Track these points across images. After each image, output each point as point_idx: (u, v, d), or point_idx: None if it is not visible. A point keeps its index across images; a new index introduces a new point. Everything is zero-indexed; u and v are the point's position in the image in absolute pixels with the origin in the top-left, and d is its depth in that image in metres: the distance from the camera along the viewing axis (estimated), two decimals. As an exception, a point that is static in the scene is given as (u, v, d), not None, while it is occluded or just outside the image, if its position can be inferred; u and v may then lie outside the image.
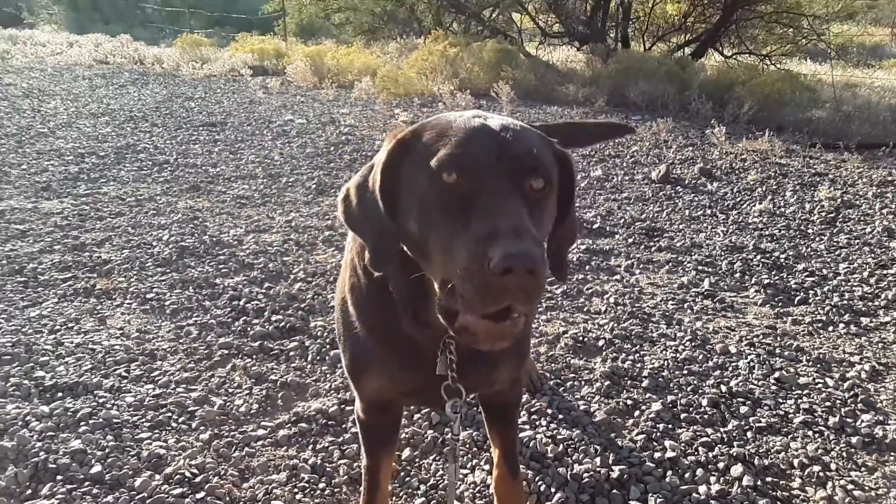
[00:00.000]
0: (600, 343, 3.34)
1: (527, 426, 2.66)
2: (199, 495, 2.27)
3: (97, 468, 2.36)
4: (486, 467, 2.42)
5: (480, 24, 16.39)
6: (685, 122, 8.99)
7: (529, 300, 1.19)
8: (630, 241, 4.76)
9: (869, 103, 10.45)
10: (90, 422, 2.62)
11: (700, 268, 4.29)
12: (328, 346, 3.23)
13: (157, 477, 2.34)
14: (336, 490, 2.34)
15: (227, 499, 2.27)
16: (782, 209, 5.48)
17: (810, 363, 3.18)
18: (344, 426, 2.67)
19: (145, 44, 17.77)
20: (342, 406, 2.76)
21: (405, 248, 1.42)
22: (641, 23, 15.29)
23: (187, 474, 2.36)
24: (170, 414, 2.71)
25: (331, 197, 5.51)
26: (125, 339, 3.26)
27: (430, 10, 17.25)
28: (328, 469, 2.43)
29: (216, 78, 12.60)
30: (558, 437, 2.60)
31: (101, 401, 2.78)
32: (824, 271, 4.24)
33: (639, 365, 3.14)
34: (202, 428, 2.63)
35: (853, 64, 16.84)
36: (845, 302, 3.81)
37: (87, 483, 2.30)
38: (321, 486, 2.35)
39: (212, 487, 2.30)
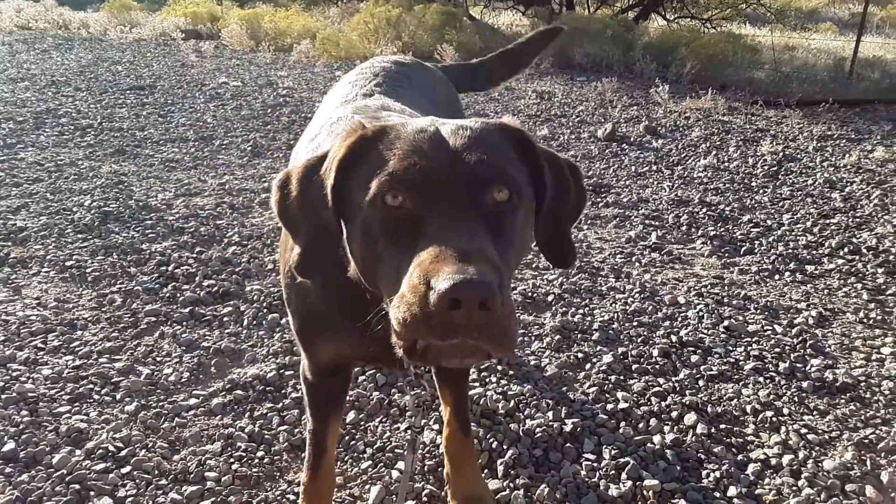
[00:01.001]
0: (549, 298, 3.25)
1: (476, 383, 2.55)
2: (125, 469, 2.09)
3: (10, 445, 2.15)
4: (436, 427, 2.31)
5: (423, -13, 15.99)
6: (630, 83, 8.97)
7: (491, 338, 1.00)
8: (578, 197, 4.68)
9: (806, 64, 10.66)
10: (2, 397, 2.39)
11: (647, 222, 4.25)
12: (265, 311, 3.04)
13: (78, 452, 2.15)
14: (276, 458, 2.19)
15: (156, 472, 2.09)
16: (726, 164, 5.50)
17: (758, 311, 3.17)
18: (283, 391, 2.51)
19: (70, 9, 16.76)
20: (281, 371, 2.59)
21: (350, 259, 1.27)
22: (585, -14, 15.19)
23: (111, 448, 2.17)
24: (91, 386, 2.50)
25: (268, 159, 5.25)
26: (42, 309, 3.00)
27: (371, -28, 16.73)
28: (267, 437, 2.27)
29: (146, 42, 11.96)
30: (509, 393, 2.50)
31: (14, 374, 2.54)
32: (769, 222, 4.25)
33: (589, 318, 3.07)
34: (127, 399, 2.43)
35: (791, 27, 17.16)
36: (790, 251, 3.81)
37: (-2, 462, 2.09)
38: (259, 454, 2.19)
39: (138, 461, 2.11)
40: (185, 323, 2.94)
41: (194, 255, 3.54)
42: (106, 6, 15.46)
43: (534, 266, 3.62)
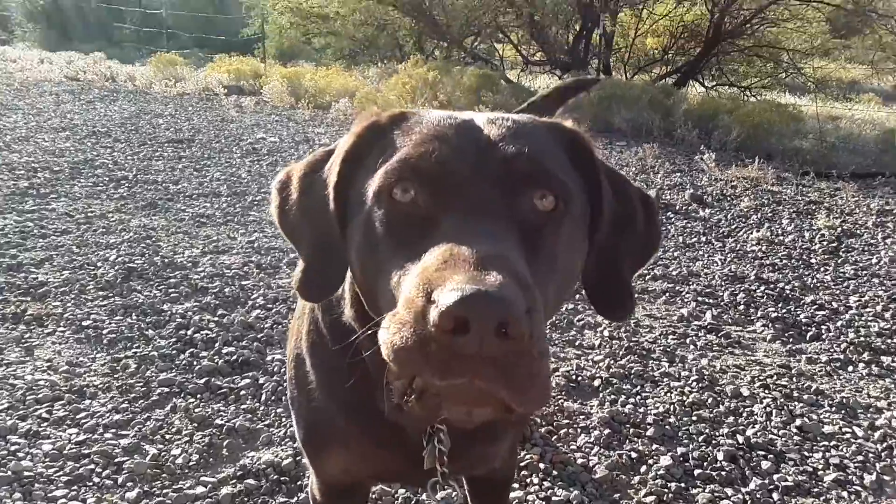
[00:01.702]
0: (596, 383, 2.96)
1: (516, 485, 2.25)
2: (115, 575, 1.83)
3: (-6, 538, 1.92)
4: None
5: (462, 52, 16.22)
6: (671, 149, 8.76)
7: (510, 382, 0.71)
8: (623, 269, 4.41)
9: (852, 134, 10.37)
10: (-5, 475, 2.17)
11: (700, 298, 3.95)
12: (285, 384, 2.80)
13: (66, 550, 1.90)
14: (286, 566, 1.91)
15: (150, 579, 1.83)
16: (781, 237, 5.19)
17: (833, 409, 2.83)
18: (299, 483, 2.24)
19: (119, 62, 17.32)
20: (298, 458, 2.33)
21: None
22: (623, 53, 15.24)
23: (103, 546, 1.91)
24: (92, 466, 2.27)
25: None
26: (52, 374, 2.80)
27: (411, 36, 17.08)
28: (278, 539, 2.00)
29: (189, 96, 12.18)
30: (553, 498, 2.20)
31: (13, 448, 2.33)
32: (834, 304, 3.92)
33: (641, 409, 2.76)
34: (129, 484, 2.19)
35: (832, 97, 16.94)
36: (862, 339, 3.47)
37: (-26, 559, 1.85)
38: (268, 561, 1.92)
39: (131, 564, 1.86)
40: (199, 395, 2.71)
41: (216, 319, 3.34)
42: (153, 60, 15.94)
43: (577, 344, 3.34)
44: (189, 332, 3.18)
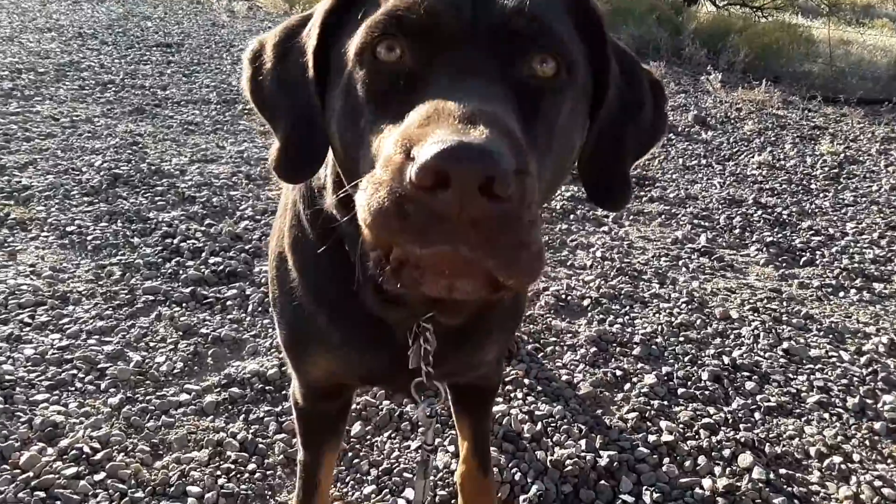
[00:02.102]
0: (585, 302, 2.94)
1: (500, 399, 2.25)
2: (98, 476, 1.85)
3: (-24, 439, 1.92)
4: (451, 448, 2.02)
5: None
6: (678, 69, 8.49)
7: (498, 251, 0.64)
8: (620, 189, 4.32)
9: (863, 60, 10.04)
10: (-24, 379, 2.16)
11: (696, 221, 3.89)
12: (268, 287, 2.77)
13: (50, 451, 1.91)
14: (269, 472, 1.93)
15: (133, 481, 1.84)
16: (782, 162, 5.08)
17: (821, 333, 2.82)
18: (284, 393, 2.24)
19: (106, -40, 16.50)
20: (283, 368, 2.33)
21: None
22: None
23: (86, 449, 1.92)
24: (75, 371, 2.26)
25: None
26: (35, 279, 2.76)
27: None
28: (261, 446, 2.01)
29: (179, -1, 11.67)
30: (537, 413, 2.21)
31: (-6, 352, 2.31)
32: (830, 230, 3.87)
33: (629, 329, 2.75)
34: (112, 390, 2.19)
35: (846, 21, 16.37)
36: (856, 265, 3.44)
37: (-42, 458, 1.85)
38: (250, 467, 1.94)
39: (114, 467, 1.87)
40: (185, 304, 2.68)
41: (203, 228, 3.28)
42: (143, -40, 15.17)
43: (568, 264, 3.30)
44: (175, 241, 3.12)
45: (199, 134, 4.68)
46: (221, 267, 2.94)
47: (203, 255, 3.03)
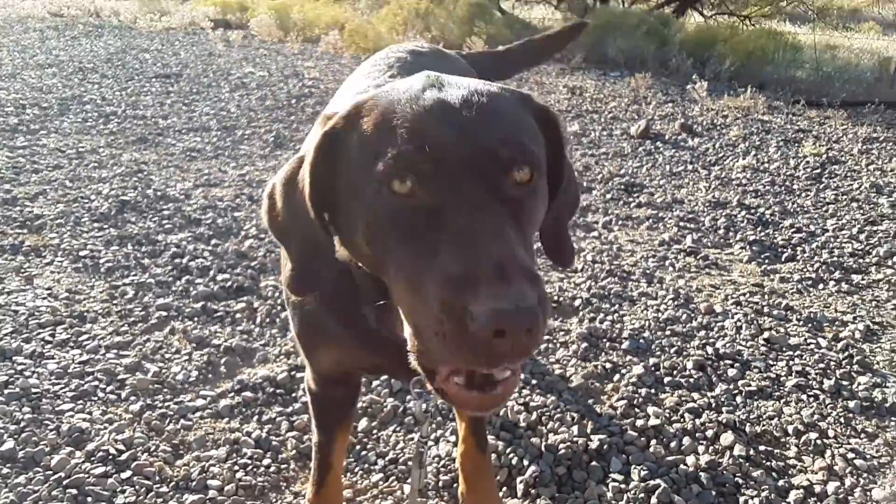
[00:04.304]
0: (577, 303, 3.09)
1: (497, 393, 2.39)
2: (125, 474, 1.98)
3: (9, 444, 2.06)
4: (452, 438, 2.17)
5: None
6: (665, 79, 8.70)
7: (525, 356, 0.92)
8: (608, 196, 4.49)
9: (849, 64, 10.26)
10: (5, 391, 2.31)
11: (682, 224, 4.05)
12: (279, 308, 2.93)
13: (78, 454, 2.05)
14: (283, 466, 2.07)
15: (157, 478, 1.99)
16: (766, 165, 5.25)
17: (801, 322, 2.97)
18: (294, 395, 2.39)
19: (102, -4, 16.85)
20: (292, 373, 2.47)
21: (359, 263, 1.15)
22: (619, -20, 14.85)
23: (112, 451, 2.06)
24: (96, 383, 2.40)
25: (290, 151, 5.14)
26: (52, 300, 2.92)
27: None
28: (274, 443, 2.15)
29: (175, 31, 11.94)
30: (532, 404, 2.35)
31: (19, 368, 2.45)
32: (812, 227, 4.03)
33: (618, 326, 2.90)
34: (132, 398, 2.33)
35: (832, 26, 16.64)
36: (835, 259, 3.59)
37: (-6, 462, 2.00)
38: (266, 462, 2.08)
39: (139, 465, 2.01)
40: (196, 318, 2.83)
41: (210, 248, 3.44)
42: (138, -6, 15.52)
43: (559, 269, 3.45)
44: (184, 261, 3.28)
45: (201, 160, 4.87)
46: (229, 283, 3.09)
47: (211, 272, 3.19)
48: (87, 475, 1.96)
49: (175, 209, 3.90)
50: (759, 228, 3.99)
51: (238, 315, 2.87)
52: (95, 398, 2.33)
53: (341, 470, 1.78)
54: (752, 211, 4.25)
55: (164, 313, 2.85)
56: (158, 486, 1.95)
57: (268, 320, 2.85)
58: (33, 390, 2.33)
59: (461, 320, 0.85)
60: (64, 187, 4.19)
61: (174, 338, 2.70)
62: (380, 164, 0.96)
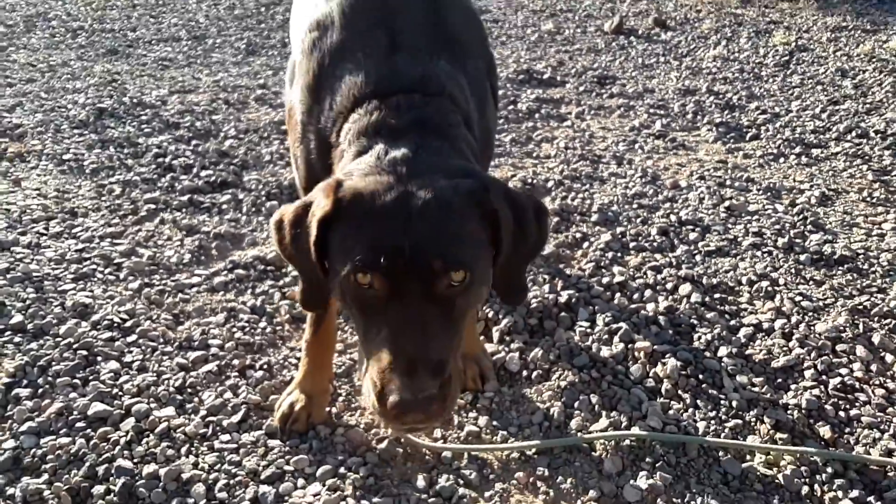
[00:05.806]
0: (549, 184, 3.23)
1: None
2: (131, 338, 2.14)
3: (18, 318, 2.20)
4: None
5: None
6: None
7: (428, 426, 1.35)
8: (581, 89, 4.57)
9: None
10: (8, 276, 2.42)
11: (652, 111, 4.16)
12: (264, 198, 3.04)
13: (84, 324, 2.20)
14: (278, 328, 2.24)
15: (161, 340, 2.15)
16: (736, 54, 5.33)
17: (761, 192, 3.14)
18: (283, 271, 2.53)
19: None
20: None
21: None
22: None
23: (116, 320, 2.21)
24: (94, 266, 2.53)
25: (262, 57, 5.13)
26: (42, 199, 3.00)
27: None
28: (269, 310, 2.31)
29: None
30: (506, 268, 2.52)
31: (18, 256, 2.57)
32: (776, 109, 4.16)
33: (588, 202, 3.05)
34: (130, 278, 2.47)
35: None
36: (797, 136, 3.74)
37: (7, 332, 2.14)
38: (262, 325, 2.25)
39: (144, 330, 2.17)
40: (184, 210, 2.94)
41: (191, 148, 3.51)
42: None
43: (534, 155, 3.58)
44: (167, 160, 3.36)
45: (174, 68, 4.85)
46: (213, 178, 3.19)
47: (194, 169, 3.28)
48: (95, 340, 2.11)
49: (153, 114, 3.94)
50: (725, 112, 4.12)
51: (224, 206, 2.98)
52: (95, 279, 2.46)
53: (335, 314, 1.94)
54: (720, 96, 4.36)
55: (153, 206, 2.96)
56: (163, 346, 2.12)
57: (254, 209, 2.97)
58: (34, 274, 2.45)
59: (382, 396, 1.21)
60: (40, 98, 4.19)
61: (165, 227, 2.81)
62: (348, 263, 1.25)
